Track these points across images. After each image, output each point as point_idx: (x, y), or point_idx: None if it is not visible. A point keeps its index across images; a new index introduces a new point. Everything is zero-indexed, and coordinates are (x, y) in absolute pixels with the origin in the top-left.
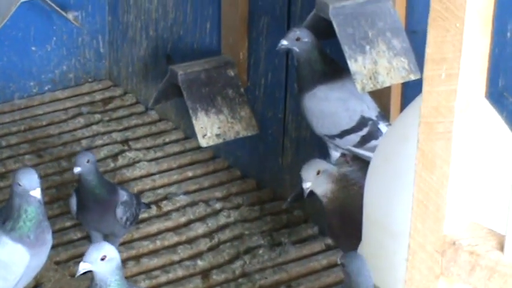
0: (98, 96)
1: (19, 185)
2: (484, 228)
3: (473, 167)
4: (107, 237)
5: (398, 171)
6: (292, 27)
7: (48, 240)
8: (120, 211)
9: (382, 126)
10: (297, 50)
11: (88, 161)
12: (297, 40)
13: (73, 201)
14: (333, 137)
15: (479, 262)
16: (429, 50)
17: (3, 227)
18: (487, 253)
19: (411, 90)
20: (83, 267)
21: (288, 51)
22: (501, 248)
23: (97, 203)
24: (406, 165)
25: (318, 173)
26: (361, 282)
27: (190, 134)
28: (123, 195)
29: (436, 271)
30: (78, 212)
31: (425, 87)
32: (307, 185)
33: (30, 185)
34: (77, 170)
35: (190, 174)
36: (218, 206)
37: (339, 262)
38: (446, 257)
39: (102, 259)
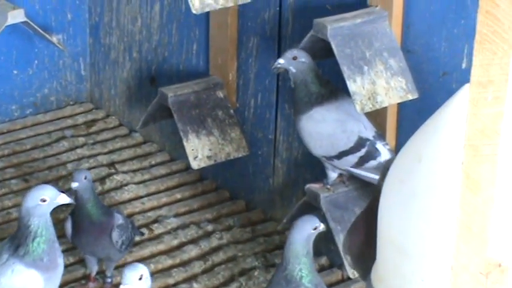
0: (81, 119)
1: (43, 200)
2: None
3: None
4: (101, 261)
5: (413, 191)
6: (290, 48)
7: (60, 263)
8: (116, 234)
9: (380, 146)
10: (293, 70)
11: (85, 178)
12: (293, 59)
13: (68, 225)
14: (331, 158)
15: None
16: (475, 73)
17: (16, 253)
18: None
19: (407, 110)
20: None
21: (279, 74)
22: None
23: (93, 225)
24: (420, 186)
25: None
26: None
27: (175, 155)
28: (118, 219)
29: None
30: (73, 235)
31: (471, 109)
32: None
33: (55, 194)
34: (74, 185)
35: (178, 196)
36: (210, 227)
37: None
38: (491, 278)
39: (140, 278)
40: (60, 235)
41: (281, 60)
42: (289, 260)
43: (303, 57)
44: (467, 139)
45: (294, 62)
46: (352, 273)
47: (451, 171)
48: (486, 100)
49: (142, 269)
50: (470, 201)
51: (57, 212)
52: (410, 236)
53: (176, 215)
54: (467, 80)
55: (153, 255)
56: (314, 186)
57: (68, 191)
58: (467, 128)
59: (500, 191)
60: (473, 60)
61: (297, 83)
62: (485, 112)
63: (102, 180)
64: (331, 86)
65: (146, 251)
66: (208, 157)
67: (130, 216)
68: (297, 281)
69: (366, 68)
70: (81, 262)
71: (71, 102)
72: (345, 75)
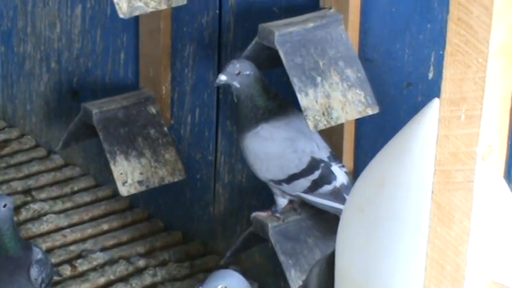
0: None
1: None
2: None
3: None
4: None
5: (375, 222)
6: (232, 60)
7: None
8: (35, 271)
9: (336, 168)
10: (238, 85)
11: (5, 206)
12: (237, 74)
13: None
14: (279, 182)
15: None
16: (446, 89)
17: None
18: None
19: (366, 127)
20: None
21: (220, 87)
22: None
23: (8, 260)
24: (384, 216)
25: None
26: None
27: (101, 180)
28: (37, 253)
29: None
30: None
31: (441, 130)
32: None
33: None
34: None
35: (105, 227)
36: (141, 263)
37: None
38: None
39: None
40: None
41: (223, 77)
42: None
43: (248, 70)
44: (438, 164)
45: (237, 77)
46: None
47: (419, 199)
48: (459, 120)
49: None
50: (442, 235)
51: None
52: (373, 273)
53: (103, 249)
54: (435, 92)
55: None
56: (261, 215)
57: None
58: (438, 151)
59: (476, 223)
60: (443, 73)
61: (241, 98)
62: (458, 133)
63: (17, 209)
64: (280, 99)
65: None
66: (139, 182)
67: (50, 251)
68: None
69: (319, 79)
70: None
71: None
72: (296, 88)
